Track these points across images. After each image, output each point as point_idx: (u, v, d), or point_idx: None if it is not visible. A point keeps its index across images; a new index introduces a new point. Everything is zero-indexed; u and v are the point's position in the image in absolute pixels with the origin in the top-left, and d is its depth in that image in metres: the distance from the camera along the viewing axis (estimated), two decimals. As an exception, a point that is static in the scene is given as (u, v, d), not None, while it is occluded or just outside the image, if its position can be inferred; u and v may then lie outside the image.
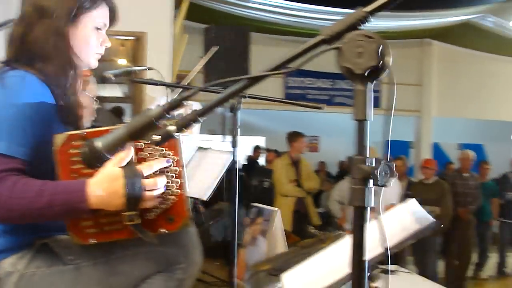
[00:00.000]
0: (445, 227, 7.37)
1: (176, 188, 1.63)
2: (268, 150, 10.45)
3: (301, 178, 7.11)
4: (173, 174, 1.62)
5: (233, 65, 4.98)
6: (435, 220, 2.31)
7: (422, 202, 7.14)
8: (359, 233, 1.22)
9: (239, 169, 2.99)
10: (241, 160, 10.34)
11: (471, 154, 8.54)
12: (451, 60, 10.15)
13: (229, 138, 2.88)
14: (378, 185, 1.13)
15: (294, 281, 2.00)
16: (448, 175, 8.31)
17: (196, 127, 5.02)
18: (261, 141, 11.89)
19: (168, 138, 1.25)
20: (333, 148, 8.20)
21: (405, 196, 7.44)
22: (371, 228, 1.31)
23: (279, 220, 4.64)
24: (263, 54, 6.25)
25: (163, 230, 1.65)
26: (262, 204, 4.96)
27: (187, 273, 1.79)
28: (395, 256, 6.08)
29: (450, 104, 10.19)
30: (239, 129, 2.90)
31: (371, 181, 1.16)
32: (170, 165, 1.61)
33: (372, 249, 2.48)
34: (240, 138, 2.93)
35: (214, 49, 4.24)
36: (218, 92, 1.22)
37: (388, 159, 1.18)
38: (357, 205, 1.17)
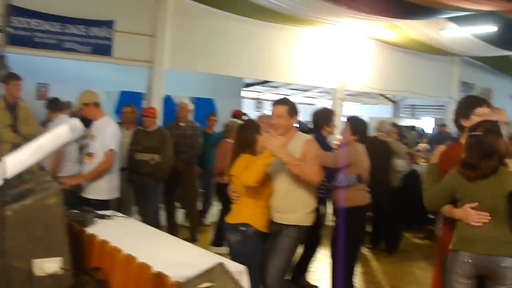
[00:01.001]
0: (166, 175, 7.54)
1: None
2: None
3: (18, 123, 6.74)
4: None
5: None
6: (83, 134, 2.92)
7: (144, 150, 7.22)
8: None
9: None
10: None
11: (188, 104, 8.80)
12: (185, 14, 10.27)
13: None
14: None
15: None
16: (168, 125, 8.45)
17: None
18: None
19: None
20: (62, 96, 7.87)
21: (131, 144, 7.48)
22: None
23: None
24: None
25: None
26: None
27: None
28: (118, 205, 6.12)
29: (183, 57, 10.32)
30: None
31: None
32: None
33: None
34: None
35: None
36: None
37: None
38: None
